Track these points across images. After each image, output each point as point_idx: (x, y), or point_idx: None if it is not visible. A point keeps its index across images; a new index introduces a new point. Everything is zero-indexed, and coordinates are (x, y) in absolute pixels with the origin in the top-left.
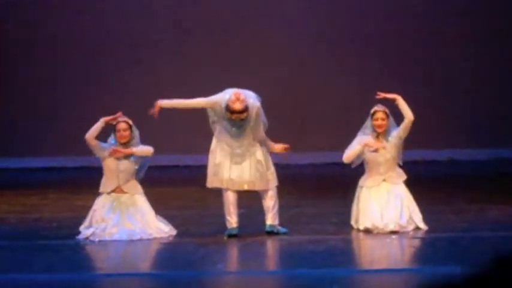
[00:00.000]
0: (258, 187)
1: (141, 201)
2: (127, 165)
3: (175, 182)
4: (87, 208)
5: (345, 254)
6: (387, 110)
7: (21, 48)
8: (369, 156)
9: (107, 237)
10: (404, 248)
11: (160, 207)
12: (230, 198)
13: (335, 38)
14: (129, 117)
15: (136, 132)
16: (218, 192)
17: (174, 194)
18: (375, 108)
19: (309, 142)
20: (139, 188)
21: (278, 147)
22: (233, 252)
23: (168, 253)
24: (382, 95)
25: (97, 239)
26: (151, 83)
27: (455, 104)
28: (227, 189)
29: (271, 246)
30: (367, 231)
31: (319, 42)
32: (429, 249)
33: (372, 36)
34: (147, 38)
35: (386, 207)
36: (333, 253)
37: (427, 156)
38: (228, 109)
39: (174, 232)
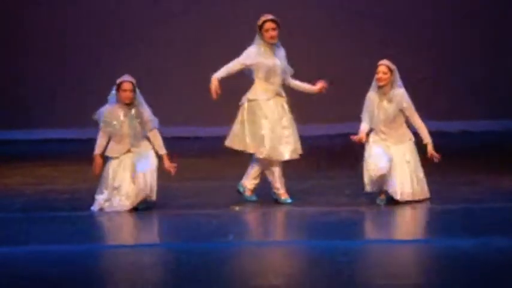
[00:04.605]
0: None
1: (149, 154)
2: (134, 129)
3: (186, 154)
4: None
5: (357, 226)
6: (391, 66)
7: (32, 18)
8: (374, 114)
9: (122, 207)
10: (417, 219)
11: (172, 179)
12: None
13: (346, 8)
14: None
15: (138, 92)
16: (230, 164)
17: (185, 166)
18: (379, 62)
19: (324, 113)
20: (149, 146)
21: (317, 87)
22: (245, 223)
23: (180, 224)
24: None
25: (111, 209)
26: (162, 53)
27: (468, 75)
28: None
29: (283, 217)
30: (375, 179)
31: (329, 13)
32: (442, 220)
33: (382, 4)
34: (160, 8)
35: (393, 173)
36: (345, 224)
37: (440, 128)
38: (262, 25)
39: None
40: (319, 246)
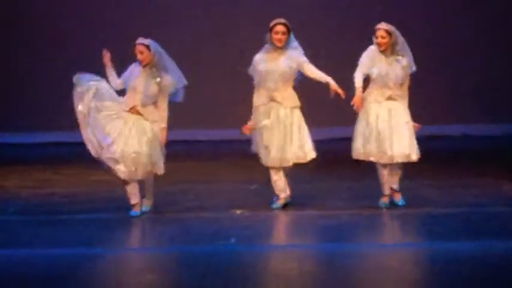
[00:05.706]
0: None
1: (152, 133)
2: (147, 89)
3: (186, 157)
4: (100, 183)
5: (357, 229)
6: (390, 28)
7: (28, 20)
8: (380, 70)
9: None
10: (416, 223)
11: (171, 182)
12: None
13: (346, 9)
14: None
15: (157, 53)
16: (229, 167)
17: (185, 169)
18: (377, 26)
19: (325, 117)
20: (155, 116)
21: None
22: (245, 227)
23: (180, 228)
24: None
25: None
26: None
27: (468, 79)
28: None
29: (283, 221)
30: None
31: (329, 15)
32: (442, 224)
33: (381, 5)
34: (160, 8)
35: (393, 134)
36: (344, 228)
37: (440, 131)
38: (272, 27)
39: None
40: (320, 249)
